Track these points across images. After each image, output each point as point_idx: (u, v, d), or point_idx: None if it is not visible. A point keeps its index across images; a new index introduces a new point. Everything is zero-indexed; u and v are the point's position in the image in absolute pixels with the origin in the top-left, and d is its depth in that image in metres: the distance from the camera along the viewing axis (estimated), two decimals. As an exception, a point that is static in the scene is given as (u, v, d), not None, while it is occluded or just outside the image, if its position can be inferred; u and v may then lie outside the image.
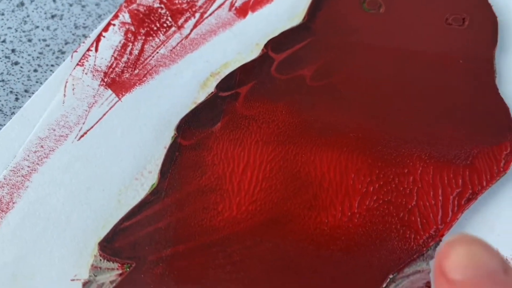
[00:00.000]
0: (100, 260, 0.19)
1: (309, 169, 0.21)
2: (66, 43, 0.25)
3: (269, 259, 0.19)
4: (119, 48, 0.24)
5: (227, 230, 0.19)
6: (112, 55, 0.24)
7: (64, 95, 0.23)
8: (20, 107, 0.23)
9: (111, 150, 0.21)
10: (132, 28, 0.25)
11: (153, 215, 0.20)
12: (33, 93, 0.23)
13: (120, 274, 0.19)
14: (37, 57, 0.25)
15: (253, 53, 0.25)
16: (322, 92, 0.23)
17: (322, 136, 0.22)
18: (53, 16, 0.26)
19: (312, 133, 0.22)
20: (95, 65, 0.24)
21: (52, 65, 0.24)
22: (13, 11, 0.26)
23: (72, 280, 0.19)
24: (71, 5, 0.27)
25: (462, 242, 0.12)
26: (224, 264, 0.19)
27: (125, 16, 0.25)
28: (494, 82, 0.24)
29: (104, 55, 0.24)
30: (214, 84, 0.24)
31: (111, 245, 0.19)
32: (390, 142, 0.22)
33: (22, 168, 0.20)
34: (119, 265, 0.19)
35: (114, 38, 0.25)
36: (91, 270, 0.19)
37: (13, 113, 0.23)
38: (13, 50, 0.25)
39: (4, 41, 0.25)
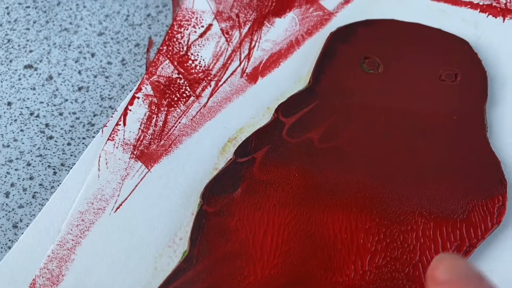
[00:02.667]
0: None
1: (323, 230, 0.23)
2: (94, 115, 0.28)
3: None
4: (145, 120, 0.27)
5: (254, 292, 0.22)
6: (139, 128, 0.26)
7: (99, 169, 0.25)
8: (59, 181, 0.25)
9: (145, 219, 0.24)
10: (155, 100, 0.28)
11: (188, 282, 0.22)
12: (69, 166, 0.26)
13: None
14: (69, 131, 0.27)
15: (265, 117, 0.28)
16: (330, 154, 0.26)
17: (332, 198, 0.24)
18: (80, 89, 0.29)
19: (323, 195, 0.24)
20: (124, 138, 0.26)
21: (83, 138, 0.27)
22: (43, 85, 0.29)
23: None
24: (95, 76, 0.29)
25: (448, 256, 0.17)
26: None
27: (148, 88, 0.28)
28: (486, 136, 0.27)
29: (132, 129, 0.26)
30: (232, 149, 0.26)
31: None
32: (394, 200, 0.24)
33: (67, 242, 0.23)
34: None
35: (139, 111, 0.27)
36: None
37: (52, 187, 0.25)
38: (46, 125, 0.27)
39: (37, 116, 0.28)
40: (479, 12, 0.32)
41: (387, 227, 0.24)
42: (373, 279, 0.22)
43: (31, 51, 0.30)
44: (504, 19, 0.31)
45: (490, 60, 0.30)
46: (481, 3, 0.32)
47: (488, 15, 0.31)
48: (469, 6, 0.32)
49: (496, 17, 0.31)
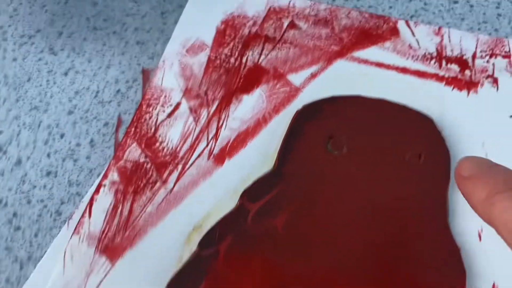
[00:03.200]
0: None
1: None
2: (62, 203, 0.28)
3: None
4: (110, 210, 0.27)
5: None
6: (104, 220, 0.27)
7: (64, 265, 0.25)
8: (25, 276, 0.26)
9: (108, 318, 0.24)
10: (121, 187, 0.28)
11: None
12: (35, 259, 0.26)
13: None
14: (37, 220, 0.27)
15: (233, 199, 0.28)
16: (293, 244, 0.26)
17: (294, 292, 0.25)
18: (48, 174, 0.29)
19: (286, 289, 0.25)
20: (89, 231, 0.26)
21: (50, 228, 0.27)
22: (12, 170, 0.29)
23: None
24: (63, 160, 0.30)
25: (472, 156, 0.19)
26: None
27: (114, 175, 0.28)
28: (447, 222, 0.27)
29: (97, 220, 0.27)
30: (197, 238, 0.27)
31: None
32: (355, 293, 0.25)
33: None
34: None
35: (105, 200, 0.27)
36: None
37: (19, 282, 0.26)
38: (14, 214, 0.28)
39: (6, 204, 0.28)
40: (445, 85, 0.32)
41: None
42: None
43: (0, 132, 0.31)
44: (468, 93, 0.32)
45: (454, 137, 0.30)
46: (446, 76, 0.32)
47: (453, 88, 0.32)
48: (434, 78, 0.32)
49: (461, 91, 0.32)
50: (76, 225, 0.26)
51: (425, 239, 0.27)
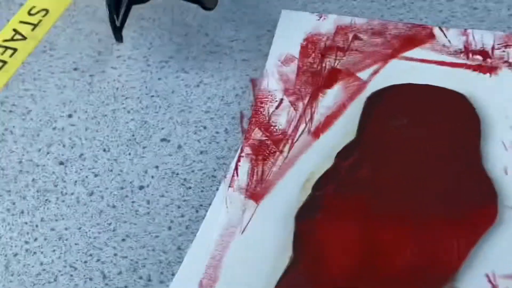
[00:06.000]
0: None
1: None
2: (214, 170, 0.42)
3: None
4: (250, 171, 0.40)
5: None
6: (247, 177, 0.40)
7: (227, 206, 0.39)
8: (201, 216, 0.39)
9: (261, 235, 0.37)
10: (253, 156, 0.41)
11: (293, 278, 0.35)
12: (206, 206, 0.40)
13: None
14: (200, 182, 0.41)
15: (329, 161, 0.41)
16: (372, 185, 0.39)
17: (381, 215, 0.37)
18: (201, 152, 0.43)
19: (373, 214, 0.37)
20: (239, 185, 0.40)
21: (210, 186, 0.41)
22: (176, 152, 0.43)
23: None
24: (210, 143, 0.43)
25: None
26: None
27: (247, 149, 0.42)
28: (481, 164, 0.39)
29: (242, 178, 0.40)
30: (308, 187, 0.40)
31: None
32: (422, 212, 0.37)
33: (216, 255, 0.37)
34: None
35: (245, 165, 0.41)
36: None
37: (197, 221, 0.39)
38: (185, 179, 0.41)
39: (177, 174, 0.42)
40: (472, 71, 0.44)
41: (417, 235, 0.36)
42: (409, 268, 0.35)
43: (162, 128, 0.45)
44: (490, 75, 0.44)
45: (481, 107, 0.42)
46: (473, 64, 0.44)
47: (479, 73, 0.44)
48: (464, 67, 0.44)
49: (484, 74, 0.44)
50: (230, 182, 0.40)
51: (465, 175, 0.39)
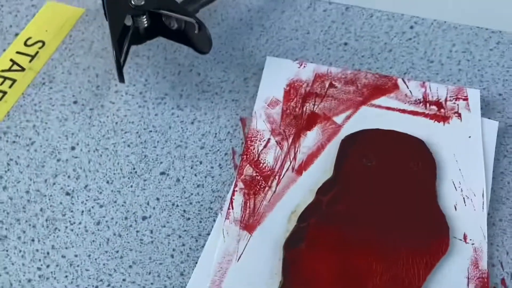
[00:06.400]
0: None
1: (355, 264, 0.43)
2: (211, 203, 0.47)
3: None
4: (243, 204, 0.46)
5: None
6: (241, 210, 0.46)
7: (224, 236, 0.44)
8: (200, 245, 0.44)
9: (254, 262, 0.43)
10: (246, 190, 0.47)
11: (285, 297, 0.41)
12: (204, 236, 0.45)
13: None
14: (198, 213, 0.46)
15: (311, 195, 0.47)
16: (351, 217, 0.46)
17: (357, 247, 0.44)
18: (198, 186, 0.48)
19: (352, 245, 0.44)
20: (234, 217, 0.45)
21: (207, 217, 0.46)
22: (175, 185, 0.48)
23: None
24: (205, 177, 0.48)
25: None
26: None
27: (240, 184, 0.47)
28: (436, 202, 0.47)
29: (236, 210, 0.46)
30: (294, 219, 0.46)
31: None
32: (387, 243, 0.44)
33: (216, 281, 0.42)
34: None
35: (239, 199, 0.46)
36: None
37: (197, 249, 0.44)
38: (184, 211, 0.46)
39: (177, 205, 0.47)
40: (429, 119, 0.52)
41: (384, 261, 0.43)
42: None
43: (161, 162, 0.50)
44: (444, 123, 0.52)
45: (436, 151, 0.50)
46: (430, 113, 0.53)
47: (434, 121, 0.52)
48: (422, 115, 0.52)
49: (439, 122, 0.52)
50: (226, 214, 0.45)
51: (424, 210, 0.46)
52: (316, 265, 0.43)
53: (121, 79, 0.50)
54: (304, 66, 0.56)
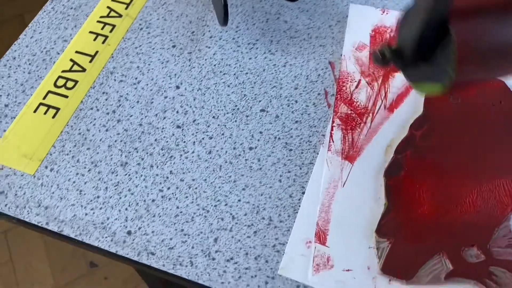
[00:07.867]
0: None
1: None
2: (309, 136, 0.50)
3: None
4: (342, 138, 0.49)
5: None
6: (341, 143, 0.49)
7: (328, 166, 0.48)
8: (306, 173, 0.48)
9: (357, 187, 0.46)
10: (343, 126, 0.50)
11: (389, 220, 0.45)
12: (307, 165, 0.48)
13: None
14: (299, 146, 0.50)
15: (404, 130, 0.50)
16: (441, 149, 0.49)
17: (456, 172, 0.47)
18: (296, 122, 0.51)
19: (449, 171, 0.47)
20: (335, 149, 0.49)
21: (308, 149, 0.49)
22: (275, 121, 0.51)
23: (370, 247, 0.44)
24: (302, 114, 0.52)
25: None
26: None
27: (337, 121, 0.51)
28: (522, 136, 0.50)
29: (337, 143, 0.49)
30: (390, 151, 0.49)
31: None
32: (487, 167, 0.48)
33: (325, 204, 0.45)
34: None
35: (337, 133, 0.50)
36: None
37: (302, 176, 0.48)
38: (286, 143, 0.50)
39: (279, 138, 0.50)
40: (510, 63, 0.55)
41: (486, 182, 0.47)
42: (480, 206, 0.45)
43: (260, 101, 0.53)
44: (524, 67, 0.55)
45: (519, 92, 0.53)
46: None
47: (515, 65, 0.55)
48: (503, 60, 0.55)
49: (520, 66, 0.55)
50: (328, 146, 0.49)
51: (506, 142, 0.49)
52: (415, 190, 0.47)
53: (226, 21, 0.53)
54: (387, 13, 0.59)
